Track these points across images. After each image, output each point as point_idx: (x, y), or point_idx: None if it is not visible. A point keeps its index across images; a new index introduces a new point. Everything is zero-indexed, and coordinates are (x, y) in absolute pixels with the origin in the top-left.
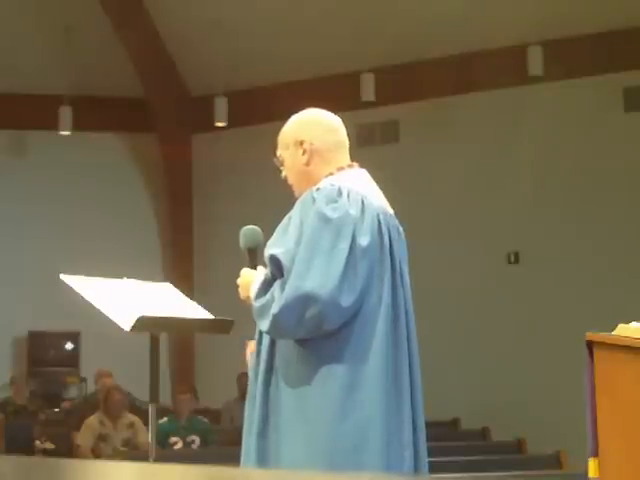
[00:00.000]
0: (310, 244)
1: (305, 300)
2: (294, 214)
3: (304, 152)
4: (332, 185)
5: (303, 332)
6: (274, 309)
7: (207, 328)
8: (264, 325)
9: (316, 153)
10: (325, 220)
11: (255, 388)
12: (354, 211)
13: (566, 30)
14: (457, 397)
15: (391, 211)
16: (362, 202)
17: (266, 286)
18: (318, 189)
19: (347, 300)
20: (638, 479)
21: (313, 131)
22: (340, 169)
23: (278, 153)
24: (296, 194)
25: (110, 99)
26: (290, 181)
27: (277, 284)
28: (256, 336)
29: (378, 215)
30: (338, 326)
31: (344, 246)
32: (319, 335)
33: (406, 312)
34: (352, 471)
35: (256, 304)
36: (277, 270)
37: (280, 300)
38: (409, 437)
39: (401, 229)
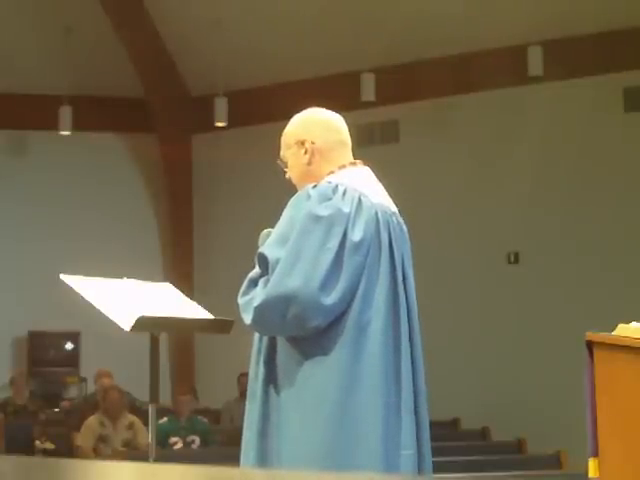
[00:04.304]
0: (297, 242)
1: (286, 299)
2: (286, 210)
3: (306, 152)
4: (329, 183)
5: (287, 330)
6: (255, 302)
7: (207, 328)
8: (247, 318)
9: (317, 152)
10: (315, 219)
11: (256, 386)
12: (347, 208)
13: (566, 30)
14: (457, 397)
15: (394, 209)
16: (359, 199)
17: (251, 284)
18: (315, 186)
19: (330, 300)
20: (638, 479)
21: (314, 130)
22: (342, 167)
23: (281, 154)
24: None
25: (110, 99)
26: (294, 181)
27: (262, 280)
28: (256, 334)
29: (376, 212)
30: (324, 325)
31: (333, 244)
32: (309, 332)
33: (409, 310)
34: (350, 470)
35: (240, 301)
36: (264, 267)
37: (262, 295)
38: (411, 437)
39: (405, 228)
